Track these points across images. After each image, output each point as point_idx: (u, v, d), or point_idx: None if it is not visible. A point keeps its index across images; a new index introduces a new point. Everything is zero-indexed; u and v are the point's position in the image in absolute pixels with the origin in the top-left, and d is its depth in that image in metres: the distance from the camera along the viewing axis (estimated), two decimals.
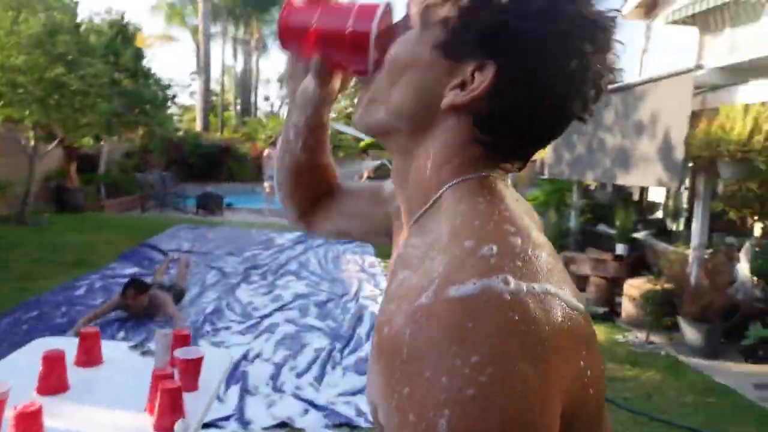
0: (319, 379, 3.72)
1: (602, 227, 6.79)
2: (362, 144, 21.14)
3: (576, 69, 0.56)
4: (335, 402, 3.40)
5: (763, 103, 4.09)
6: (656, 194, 8.14)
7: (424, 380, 0.44)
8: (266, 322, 4.76)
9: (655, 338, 4.78)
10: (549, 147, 7.34)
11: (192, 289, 5.59)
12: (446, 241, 0.52)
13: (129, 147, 13.78)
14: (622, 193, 7.45)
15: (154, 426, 1.52)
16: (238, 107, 29.29)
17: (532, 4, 0.55)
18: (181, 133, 17.20)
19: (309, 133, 0.82)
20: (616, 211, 6.18)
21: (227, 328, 4.59)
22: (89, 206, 10.41)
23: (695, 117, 4.57)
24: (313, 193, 0.90)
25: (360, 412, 3.28)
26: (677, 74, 4.72)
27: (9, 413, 1.35)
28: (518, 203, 0.61)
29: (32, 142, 8.45)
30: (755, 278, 4.56)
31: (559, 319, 0.49)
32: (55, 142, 9.00)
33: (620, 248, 5.95)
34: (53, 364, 1.70)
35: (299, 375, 3.75)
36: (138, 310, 4.46)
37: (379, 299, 5.66)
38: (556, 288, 0.50)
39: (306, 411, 3.26)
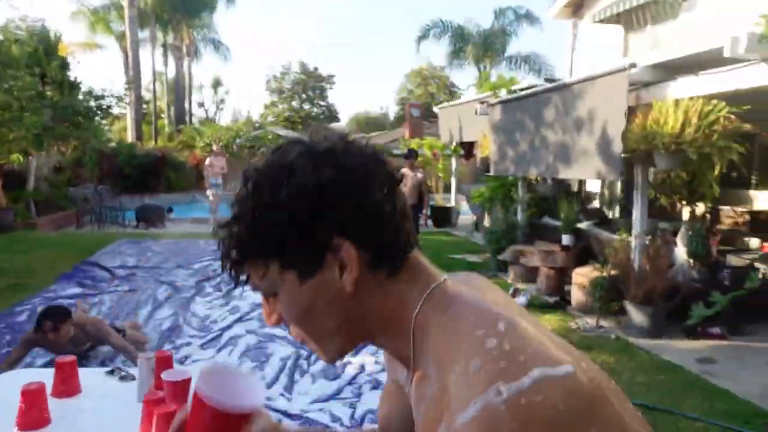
0: (289, 388, 3.70)
1: (547, 219, 7.09)
2: None
3: (369, 189, 0.67)
4: (308, 410, 3.39)
5: (691, 98, 4.41)
6: (593, 185, 8.57)
7: None
8: (227, 335, 4.67)
9: (604, 323, 5.05)
10: (494, 146, 7.60)
11: (144, 307, 5.40)
12: (443, 370, 0.62)
13: (59, 161, 13.08)
14: (563, 185, 7.80)
15: None
16: (172, 115, 28.36)
17: (293, 196, 0.66)
18: (113, 144, 16.47)
19: None
20: (559, 203, 6.47)
21: (188, 344, 4.47)
22: (19, 225, 9.81)
23: (631, 112, 4.85)
24: None
25: (335, 418, 3.29)
26: (612, 73, 5.01)
27: None
28: (466, 284, 0.73)
29: None
30: (691, 260, 4.91)
31: (559, 399, 0.56)
32: None
33: (566, 239, 6.24)
34: (34, 397, 1.63)
35: (268, 386, 3.72)
36: (62, 344, 3.58)
37: None
38: (542, 366, 0.58)
39: (279, 421, 3.23)
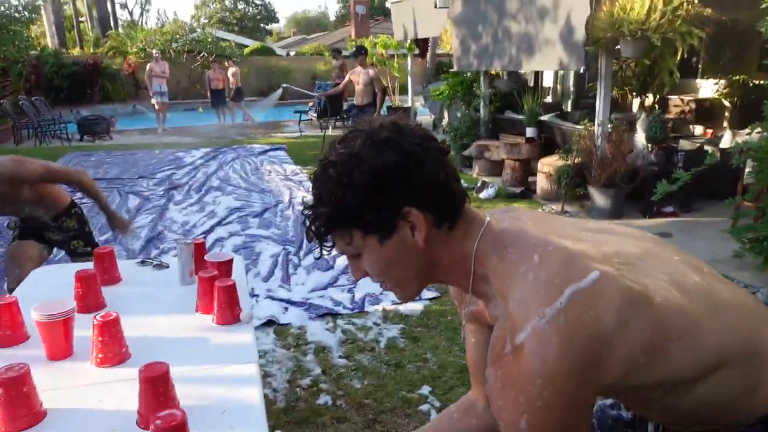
0: (286, 280, 3.86)
1: (510, 114, 7.24)
2: (247, 50, 19.95)
3: (425, 164, 0.82)
4: (309, 297, 3.58)
5: None
6: (548, 80, 8.72)
7: (511, 399, 0.75)
8: (211, 237, 4.72)
9: (569, 208, 5.40)
10: (455, 40, 7.51)
11: None
12: (504, 299, 0.79)
13: None
14: (520, 81, 7.90)
15: (217, 321, 1.60)
16: (94, 18, 25.91)
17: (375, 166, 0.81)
18: (34, 52, 15.05)
19: None
20: (524, 97, 6.60)
21: (174, 248, 4.49)
22: None
23: (598, 1, 4.90)
24: None
25: (336, 302, 3.50)
26: None
27: (91, 323, 1.37)
28: (507, 217, 0.91)
29: None
30: (649, 146, 5.23)
31: (591, 308, 0.74)
32: None
33: (530, 131, 6.44)
34: (88, 282, 1.68)
35: (265, 280, 3.86)
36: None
37: None
38: (572, 283, 0.75)
39: (286, 309, 3.41)
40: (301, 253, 4.37)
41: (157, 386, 1.13)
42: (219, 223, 5.12)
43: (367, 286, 3.75)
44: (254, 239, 4.67)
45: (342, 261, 4.18)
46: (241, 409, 1.20)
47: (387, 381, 2.67)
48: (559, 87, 8.59)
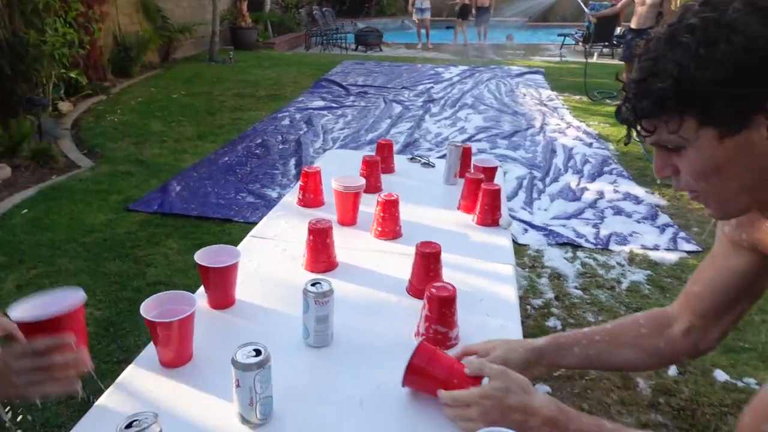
0: (528, 203, 3.85)
1: None
2: None
3: None
4: (550, 224, 3.53)
5: None
6: None
7: None
8: None
9: None
10: None
11: (383, 120, 5.84)
12: None
13: None
14: None
15: (477, 221, 1.70)
16: None
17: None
18: None
19: None
20: None
21: (429, 154, 4.80)
22: (261, 45, 10.91)
23: None
24: None
25: (579, 234, 3.39)
26: None
27: (376, 201, 1.58)
28: None
29: None
30: None
31: None
32: None
33: None
34: (371, 167, 1.92)
35: (508, 199, 3.90)
36: None
37: (567, 132, 5.50)
38: None
39: (525, 230, 3.44)
40: (547, 179, 4.27)
41: (429, 261, 1.26)
42: (468, 139, 5.26)
43: (614, 224, 3.54)
44: (502, 159, 4.70)
45: (590, 195, 3.98)
46: (497, 301, 1.29)
47: None
48: None
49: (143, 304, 0.99)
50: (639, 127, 0.72)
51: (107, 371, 2.10)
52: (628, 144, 0.79)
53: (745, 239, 0.87)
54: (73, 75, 5.69)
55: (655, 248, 3.23)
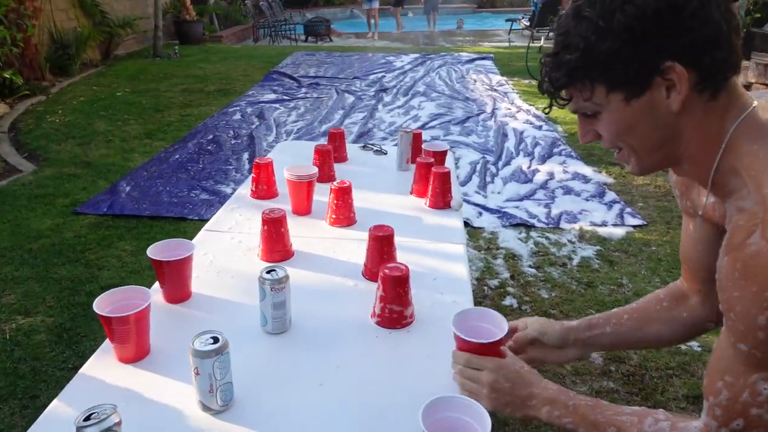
0: (482, 187, 3.93)
1: None
2: None
3: (708, 8, 0.68)
4: (504, 206, 3.62)
5: None
6: None
7: (752, 292, 0.66)
8: None
9: None
10: None
11: (336, 112, 5.82)
12: (759, 189, 0.67)
13: None
14: None
15: (429, 204, 1.74)
16: None
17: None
18: None
19: None
20: None
21: (382, 143, 4.82)
22: (207, 38, 10.66)
23: None
24: None
25: (531, 215, 3.49)
26: None
27: (329, 189, 1.59)
28: None
29: None
30: None
31: None
32: None
33: None
34: (324, 156, 1.93)
35: (462, 184, 3.98)
36: None
37: (518, 116, 5.63)
38: None
39: (480, 213, 3.52)
40: (500, 163, 4.37)
41: (383, 244, 1.29)
42: (422, 127, 5.31)
43: (564, 203, 3.66)
44: (454, 145, 4.78)
45: (541, 176, 4.10)
46: (450, 280, 1.33)
47: (576, 297, 2.66)
48: None
49: (96, 300, 0.99)
50: (558, 98, 0.79)
51: (62, 378, 2.05)
52: (549, 113, 0.86)
53: (689, 206, 0.93)
54: (7, 75, 5.43)
55: (604, 224, 3.36)
